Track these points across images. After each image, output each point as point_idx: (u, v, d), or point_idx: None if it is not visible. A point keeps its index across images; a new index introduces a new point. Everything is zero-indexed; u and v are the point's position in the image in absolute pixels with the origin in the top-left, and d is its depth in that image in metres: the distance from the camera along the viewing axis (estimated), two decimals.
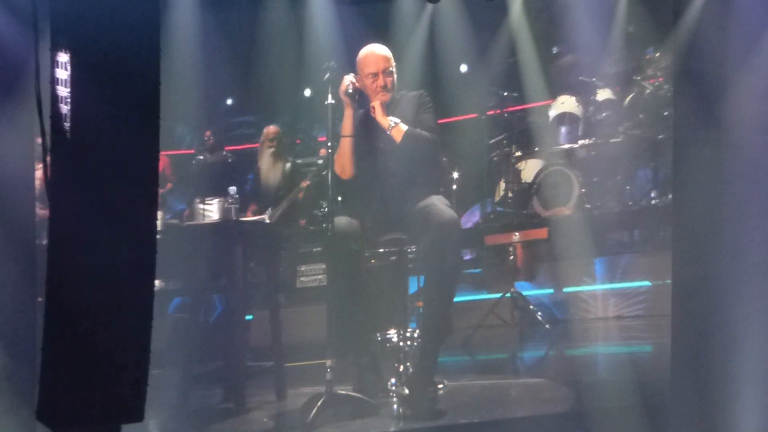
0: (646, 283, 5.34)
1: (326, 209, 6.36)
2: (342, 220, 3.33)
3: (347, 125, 3.32)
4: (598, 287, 5.40)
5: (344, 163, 3.36)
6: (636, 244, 5.85)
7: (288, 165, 5.84)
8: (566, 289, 5.38)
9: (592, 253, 5.62)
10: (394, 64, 3.40)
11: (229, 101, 8.86)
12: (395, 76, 3.39)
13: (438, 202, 3.25)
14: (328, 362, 2.95)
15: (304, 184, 5.85)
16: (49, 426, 2.34)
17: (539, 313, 4.78)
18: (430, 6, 5.75)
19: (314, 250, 6.14)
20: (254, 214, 5.59)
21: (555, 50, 7.15)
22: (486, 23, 6.26)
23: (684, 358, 2.43)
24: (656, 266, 5.37)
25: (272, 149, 5.75)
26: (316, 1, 5.72)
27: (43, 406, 2.36)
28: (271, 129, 5.90)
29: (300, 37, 6.30)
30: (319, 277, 5.97)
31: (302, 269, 5.80)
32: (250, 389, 3.48)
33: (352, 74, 3.33)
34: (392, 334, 3.18)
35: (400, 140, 3.26)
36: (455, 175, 4.77)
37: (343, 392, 3.05)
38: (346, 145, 3.33)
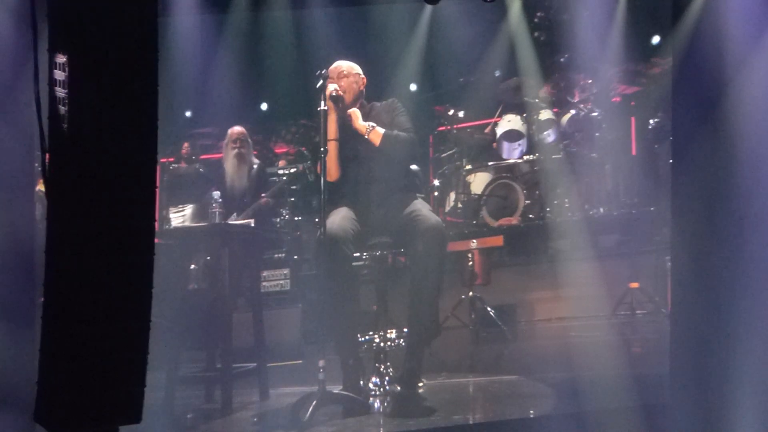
0: (586, 286, 5.47)
1: (287, 217, 6.29)
2: (334, 225, 3.27)
3: (332, 129, 3.28)
4: (543, 291, 5.51)
5: (330, 166, 3.32)
6: (574, 251, 6.01)
7: (254, 168, 5.51)
8: (515, 293, 5.47)
9: (537, 260, 5.77)
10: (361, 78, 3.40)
11: (188, 113, 8.61)
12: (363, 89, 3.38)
13: (423, 208, 3.25)
14: (321, 362, 2.86)
15: (264, 201, 5.61)
16: (47, 427, 2.19)
17: (492, 312, 4.84)
18: (428, 8, 5.42)
19: (275, 256, 6.01)
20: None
21: (497, 73, 7.32)
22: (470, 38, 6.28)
23: (683, 357, 2.43)
24: (593, 271, 5.54)
25: (236, 150, 5.38)
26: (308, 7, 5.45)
27: (41, 407, 2.20)
28: (235, 130, 5.52)
29: (279, 46, 6.18)
30: (281, 282, 5.84)
31: (264, 275, 5.63)
32: (234, 390, 3.34)
33: (333, 83, 3.28)
34: (374, 335, 3.13)
35: (379, 143, 3.24)
36: (436, 182, 4.76)
37: (336, 391, 2.97)
38: (331, 148, 3.28)
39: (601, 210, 6.10)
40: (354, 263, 3.28)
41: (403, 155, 3.28)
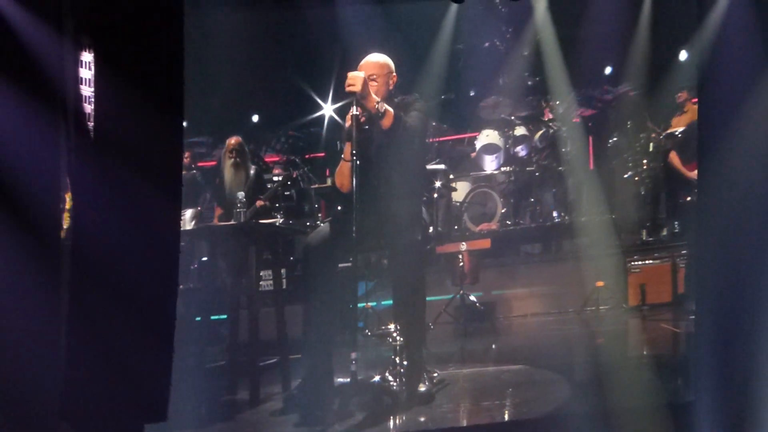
0: (556, 285, 5.42)
1: (281, 221, 6.04)
2: (318, 234, 3.08)
3: (347, 152, 3.07)
4: (519, 290, 5.43)
5: (344, 181, 3.13)
6: (546, 254, 5.96)
7: (251, 175, 5.34)
8: (494, 292, 5.37)
9: (513, 261, 5.70)
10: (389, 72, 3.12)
11: (184, 123, 8.24)
12: (391, 83, 3.10)
13: (405, 212, 3.01)
14: (353, 354, 2.64)
15: (260, 204, 5.41)
16: (73, 425, 1.94)
17: (482, 309, 4.72)
18: (454, 6, 5.02)
19: (265, 257, 5.77)
20: (220, 220, 5.19)
21: (472, 93, 7.24)
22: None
23: (707, 355, 2.26)
24: (562, 272, 5.52)
25: (232, 159, 5.22)
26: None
27: (67, 405, 1.96)
28: (232, 140, 5.36)
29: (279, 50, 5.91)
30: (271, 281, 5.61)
31: (262, 273, 5.38)
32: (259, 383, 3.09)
33: (352, 109, 3.00)
34: (391, 328, 2.92)
35: (389, 125, 2.91)
36: (437, 184, 4.57)
37: (368, 382, 2.74)
38: (345, 167, 3.09)
39: (566, 217, 6.06)
40: (340, 267, 3.09)
41: (410, 144, 2.99)
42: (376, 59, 3.10)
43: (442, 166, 3.29)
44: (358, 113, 2.84)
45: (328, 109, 8.15)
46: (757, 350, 2.17)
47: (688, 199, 5.17)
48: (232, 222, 3.79)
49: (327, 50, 6.57)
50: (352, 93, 2.84)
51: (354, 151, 2.82)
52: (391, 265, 3.02)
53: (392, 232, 2.92)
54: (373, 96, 2.88)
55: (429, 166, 5.17)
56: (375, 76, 2.97)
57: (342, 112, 8.11)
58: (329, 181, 7.02)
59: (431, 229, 3.27)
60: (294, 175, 6.55)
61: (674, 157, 5.28)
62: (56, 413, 1.90)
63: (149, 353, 2.13)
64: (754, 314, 2.20)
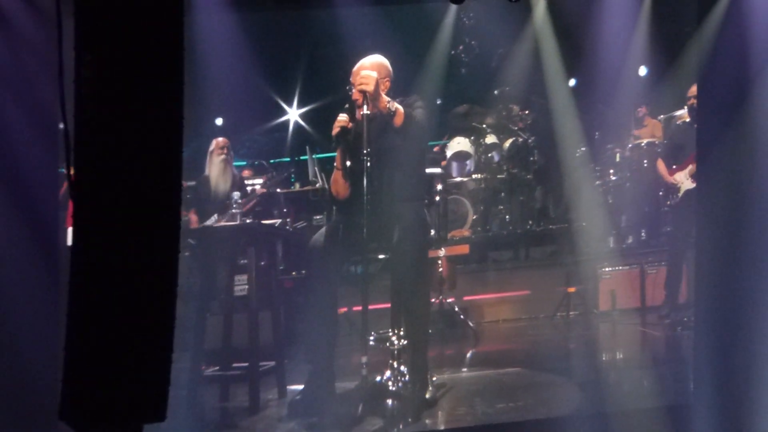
0: (526, 291, 5.61)
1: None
2: (321, 237, 3.12)
3: (338, 160, 3.12)
4: (491, 295, 5.59)
5: (339, 189, 3.16)
6: (517, 260, 6.15)
7: (236, 176, 5.44)
8: (466, 297, 5.51)
9: (484, 268, 5.87)
10: (386, 75, 3.15)
11: None
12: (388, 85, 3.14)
13: (410, 214, 3.09)
14: (363, 358, 2.66)
15: (252, 203, 5.48)
16: (72, 425, 1.94)
17: (461, 314, 4.85)
18: (453, 8, 4.92)
19: (242, 262, 5.76)
20: (202, 221, 5.20)
21: (438, 101, 7.41)
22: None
23: (706, 357, 2.32)
24: (533, 278, 5.71)
25: (222, 157, 5.32)
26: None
27: (66, 405, 1.95)
28: (220, 139, 5.46)
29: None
30: (246, 286, 5.60)
31: (237, 278, 5.38)
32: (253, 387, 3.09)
33: (342, 115, 3.05)
34: (389, 332, 2.97)
35: (400, 122, 2.95)
36: (439, 186, 4.66)
37: (370, 385, 2.77)
38: (338, 175, 3.13)
39: (536, 226, 6.29)
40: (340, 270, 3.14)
41: (420, 146, 3.05)
42: (365, 68, 3.14)
43: (439, 170, 3.40)
44: (369, 113, 2.87)
45: (293, 114, 8.21)
46: (755, 353, 2.23)
47: (669, 203, 5.42)
48: (232, 222, 3.80)
49: (293, 54, 6.62)
50: (364, 92, 2.86)
51: (365, 151, 2.83)
52: (394, 269, 3.05)
53: (397, 235, 2.98)
54: (384, 95, 2.92)
55: (428, 170, 5.28)
56: (364, 87, 3.02)
57: (308, 117, 8.18)
58: (297, 186, 7.09)
59: (432, 232, 3.36)
60: (264, 179, 6.60)
61: (661, 165, 5.47)
62: (55, 413, 1.91)
63: (148, 354, 2.16)
64: (752, 316, 2.25)
